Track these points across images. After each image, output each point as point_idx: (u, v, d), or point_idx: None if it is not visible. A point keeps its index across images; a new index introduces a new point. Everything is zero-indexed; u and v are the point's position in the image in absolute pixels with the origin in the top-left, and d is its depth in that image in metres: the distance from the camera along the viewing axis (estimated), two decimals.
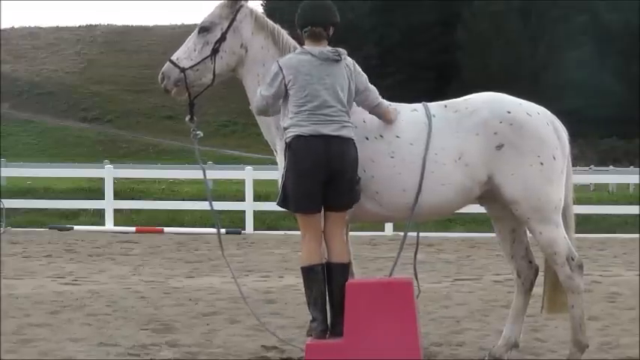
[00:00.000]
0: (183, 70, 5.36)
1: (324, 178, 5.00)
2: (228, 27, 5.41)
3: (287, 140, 5.09)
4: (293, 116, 5.05)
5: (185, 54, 5.42)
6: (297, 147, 5.03)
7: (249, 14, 5.49)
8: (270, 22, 5.57)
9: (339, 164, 5.00)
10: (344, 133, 5.02)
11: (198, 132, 5.60)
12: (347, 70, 5.12)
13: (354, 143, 5.08)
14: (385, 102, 5.30)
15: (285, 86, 5.07)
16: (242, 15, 5.45)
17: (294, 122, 5.04)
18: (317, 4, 5.20)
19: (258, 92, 5.22)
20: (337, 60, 5.09)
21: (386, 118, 5.29)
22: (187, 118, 5.56)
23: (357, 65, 5.23)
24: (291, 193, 5.08)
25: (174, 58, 5.43)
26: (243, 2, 5.49)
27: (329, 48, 5.13)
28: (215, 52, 5.39)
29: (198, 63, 5.38)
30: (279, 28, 5.57)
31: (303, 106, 5.04)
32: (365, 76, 5.26)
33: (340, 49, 5.16)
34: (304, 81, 5.03)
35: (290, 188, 5.08)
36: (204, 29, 5.42)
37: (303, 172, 5.01)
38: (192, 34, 5.50)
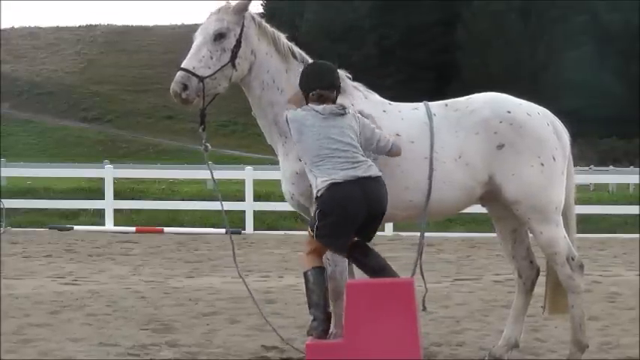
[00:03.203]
0: (202, 79, 5.18)
1: (363, 220, 5.04)
2: (241, 32, 5.31)
3: (320, 191, 5.02)
4: (317, 171, 5.04)
5: (201, 62, 5.21)
6: (333, 193, 4.98)
7: (252, 19, 5.43)
8: (269, 27, 5.52)
9: (379, 206, 5.06)
10: (373, 172, 5.04)
11: (208, 145, 5.51)
12: (354, 120, 5.12)
13: (382, 179, 5.10)
14: (393, 143, 5.22)
15: (291, 136, 5.14)
16: (248, 20, 5.38)
17: (322, 173, 5.02)
18: (324, 69, 5.26)
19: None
20: (342, 114, 5.10)
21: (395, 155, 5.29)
22: (201, 128, 5.45)
23: (362, 117, 5.19)
24: (329, 233, 5.05)
25: (188, 67, 5.19)
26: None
27: (332, 105, 5.13)
28: (234, 58, 5.28)
29: (217, 71, 5.23)
30: (278, 32, 5.54)
31: (321, 160, 5.03)
32: (372, 125, 5.19)
33: (344, 104, 5.17)
34: (312, 133, 5.04)
35: (327, 229, 5.03)
36: (221, 36, 5.25)
37: (343, 218, 4.99)
38: (202, 42, 5.27)
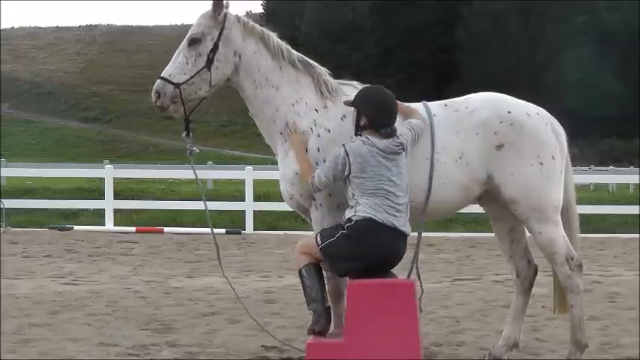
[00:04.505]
0: (177, 85, 5.24)
1: (377, 262, 5.07)
2: (219, 35, 5.31)
3: (356, 217, 5.02)
4: (364, 200, 5.02)
5: (177, 69, 5.27)
6: (368, 228, 5.00)
7: (236, 21, 5.41)
8: (258, 26, 5.50)
9: (394, 261, 5.14)
10: (407, 229, 5.10)
11: (194, 148, 5.55)
12: (407, 151, 5.14)
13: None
14: (420, 124, 5.27)
15: (349, 171, 5.05)
16: (230, 22, 5.37)
17: (368, 203, 5.02)
18: (392, 101, 5.17)
19: (316, 175, 5.10)
20: (400, 152, 5.10)
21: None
22: (184, 134, 5.48)
23: (401, 133, 5.14)
24: (337, 254, 5.07)
25: (165, 75, 5.28)
26: (226, 10, 5.37)
27: (391, 141, 5.08)
28: (210, 62, 5.29)
29: (193, 76, 5.26)
30: (268, 31, 5.53)
31: (373, 196, 5.01)
32: (408, 132, 5.17)
33: (401, 139, 5.11)
34: (374, 173, 5.02)
35: (338, 250, 5.05)
36: (195, 41, 5.30)
37: (359, 253, 5.02)
38: (180, 48, 5.36)
